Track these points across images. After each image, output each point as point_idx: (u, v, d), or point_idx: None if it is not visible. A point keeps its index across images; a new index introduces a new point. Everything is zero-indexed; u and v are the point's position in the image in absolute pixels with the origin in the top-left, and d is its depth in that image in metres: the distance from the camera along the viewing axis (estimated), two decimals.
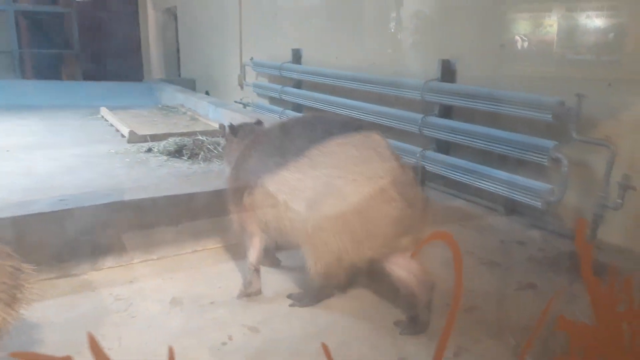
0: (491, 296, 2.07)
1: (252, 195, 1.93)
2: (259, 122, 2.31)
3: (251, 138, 2.11)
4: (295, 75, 5.09)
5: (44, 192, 3.02)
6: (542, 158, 2.63)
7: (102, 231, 2.20)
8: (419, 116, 3.44)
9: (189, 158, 4.05)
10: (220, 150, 4.24)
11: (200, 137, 4.35)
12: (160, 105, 6.65)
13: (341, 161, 1.77)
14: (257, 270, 2.02)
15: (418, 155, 3.42)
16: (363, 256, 1.77)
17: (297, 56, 5.21)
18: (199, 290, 2.04)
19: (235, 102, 6.35)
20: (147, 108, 6.44)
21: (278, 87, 5.35)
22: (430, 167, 3.35)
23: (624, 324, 0.99)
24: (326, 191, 1.75)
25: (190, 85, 8.45)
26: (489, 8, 3.17)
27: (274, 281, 2.13)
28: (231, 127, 2.22)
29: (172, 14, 9.63)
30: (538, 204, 2.67)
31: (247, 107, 6.06)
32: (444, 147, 3.42)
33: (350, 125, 1.88)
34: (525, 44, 2.96)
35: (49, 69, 11.11)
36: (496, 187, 2.90)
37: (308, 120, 2.09)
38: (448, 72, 3.38)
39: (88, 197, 2.28)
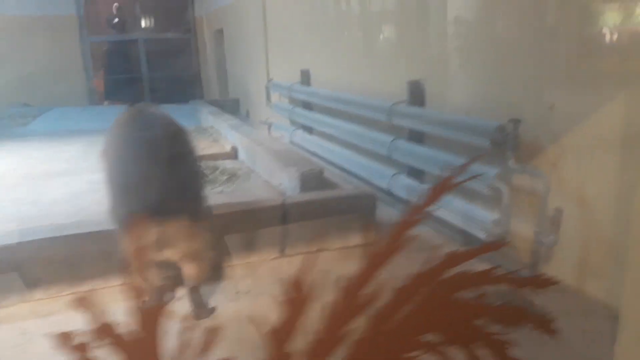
0: None
1: None
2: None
3: None
4: (300, 96, 5.12)
5: (32, 221, 3.31)
6: (482, 186, 2.44)
7: (34, 264, 2.37)
8: (387, 138, 3.34)
9: None
10: (217, 174, 4.39)
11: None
12: (193, 127, 6.95)
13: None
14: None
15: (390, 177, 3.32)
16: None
17: (305, 77, 5.24)
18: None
19: (260, 122, 6.50)
20: None
21: (290, 107, 5.42)
22: (399, 192, 3.23)
23: None
24: None
25: (233, 105, 8.77)
26: None
27: None
28: None
29: (221, 35, 10.07)
30: (482, 235, 2.48)
31: (271, 127, 6.19)
32: (414, 171, 3.28)
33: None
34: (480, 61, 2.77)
35: (121, 93, 12.01)
36: (447, 216, 2.73)
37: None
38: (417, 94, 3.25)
39: (31, 231, 2.46)
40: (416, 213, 0.78)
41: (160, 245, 1.96)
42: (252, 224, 2.72)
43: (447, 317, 0.74)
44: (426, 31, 3.21)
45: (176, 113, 8.33)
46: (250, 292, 2.39)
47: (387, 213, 3.20)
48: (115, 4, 11.04)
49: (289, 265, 2.67)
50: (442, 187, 0.78)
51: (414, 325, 0.72)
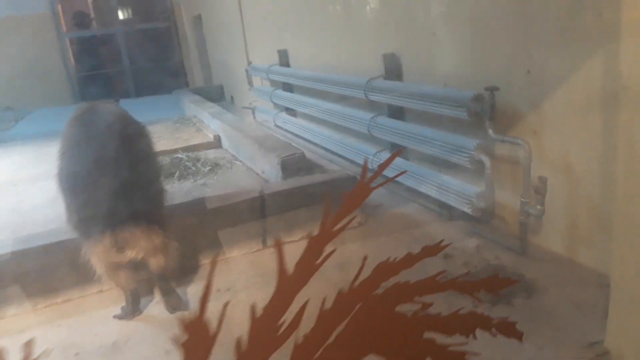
0: None
1: None
2: None
3: None
4: (278, 78, 4.98)
5: (9, 230, 3.23)
6: (464, 159, 2.34)
7: (6, 278, 2.28)
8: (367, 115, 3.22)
9: (166, 177, 4.11)
10: (199, 166, 4.28)
11: (179, 155, 4.40)
12: (176, 118, 6.81)
13: None
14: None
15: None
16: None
17: (284, 57, 5.08)
18: (74, 339, 2.05)
19: (244, 107, 6.36)
20: (163, 122, 6.62)
21: (270, 90, 5.27)
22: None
23: None
24: None
25: (218, 92, 8.61)
26: None
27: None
28: None
29: (200, 21, 9.83)
30: (467, 209, 2.39)
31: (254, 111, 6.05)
32: (394, 147, 3.17)
33: None
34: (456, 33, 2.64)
35: (104, 89, 11.80)
36: (431, 190, 2.63)
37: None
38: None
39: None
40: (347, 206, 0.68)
41: (120, 248, 1.89)
42: (231, 218, 2.63)
43: (389, 335, 0.65)
44: (401, 2, 3.06)
45: (160, 104, 8.17)
46: (230, 289, 2.30)
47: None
48: None
49: (272, 256, 2.58)
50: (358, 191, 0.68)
51: (351, 347, 0.63)
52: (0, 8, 9.02)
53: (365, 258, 0.68)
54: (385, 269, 0.65)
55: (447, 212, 2.73)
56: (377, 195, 2.98)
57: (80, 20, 10.68)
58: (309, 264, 0.60)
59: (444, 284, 0.67)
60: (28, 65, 9.41)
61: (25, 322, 2.21)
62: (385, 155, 3.17)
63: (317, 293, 0.67)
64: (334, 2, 3.99)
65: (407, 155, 3.10)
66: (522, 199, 2.14)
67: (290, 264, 0.73)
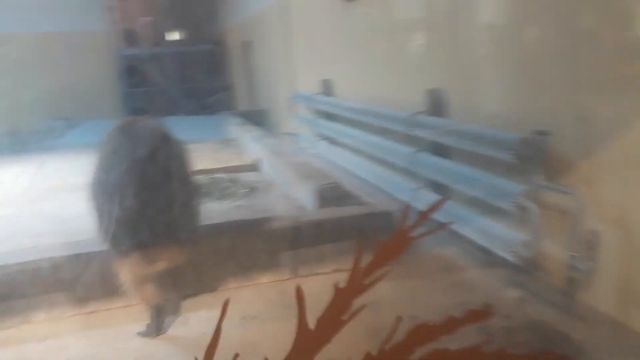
0: None
1: None
2: None
3: None
4: (320, 107, 4.99)
5: (47, 237, 3.27)
6: (509, 204, 2.23)
7: (34, 285, 2.29)
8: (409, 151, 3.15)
9: (204, 197, 4.12)
10: (237, 188, 4.29)
11: (218, 175, 4.42)
12: (219, 139, 6.90)
13: None
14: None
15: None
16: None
17: (328, 87, 5.10)
18: (95, 352, 2.02)
19: (286, 133, 6.40)
20: (207, 142, 6.72)
21: (312, 118, 5.29)
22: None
23: None
24: None
25: (262, 116, 8.71)
26: None
27: None
28: None
29: (250, 46, 10.07)
30: (510, 257, 2.26)
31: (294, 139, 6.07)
32: (433, 184, 3.08)
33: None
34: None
35: (152, 106, 12.16)
36: (471, 233, 2.52)
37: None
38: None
39: (26, 252, 2.40)
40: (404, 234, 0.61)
41: (148, 261, 1.89)
42: (263, 243, 2.58)
43: None
44: (450, 38, 3.02)
45: (205, 124, 8.39)
46: (257, 317, 2.24)
47: None
48: (145, 18, 11.23)
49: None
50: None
51: None
52: (59, 24, 9.50)
53: (399, 320, 0.61)
54: (423, 332, 0.58)
55: (487, 257, 2.61)
56: (414, 232, 2.89)
57: (129, 38, 11.14)
58: (333, 319, 0.54)
59: (489, 356, 0.59)
60: (81, 79, 9.81)
61: (51, 330, 2.21)
62: (424, 193, 3.07)
63: (341, 352, 0.60)
64: (382, 36, 3.99)
65: (448, 195, 3.00)
66: (571, 253, 2.01)
67: (319, 299, 0.65)
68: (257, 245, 2.58)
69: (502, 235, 2.35)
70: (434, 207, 0.66)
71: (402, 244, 0.60)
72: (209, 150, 6.22)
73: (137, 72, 11.58)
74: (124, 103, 11.05)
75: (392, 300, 2.28)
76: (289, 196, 3.99)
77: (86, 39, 9.95)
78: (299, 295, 0.54)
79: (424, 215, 0.64)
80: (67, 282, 2.34)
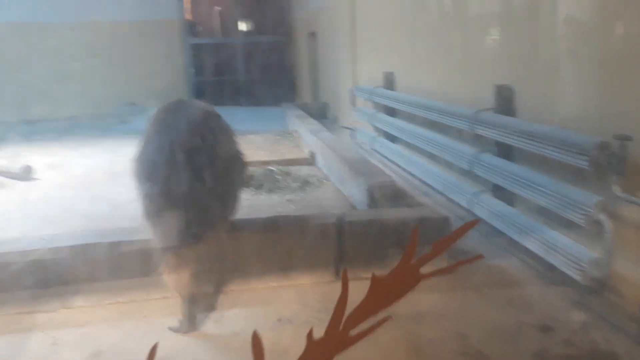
0: None
1: None
2: None
3: None
4: (381, 101, 4.79)
5: (101, 221, 3.34)
6: (579, 217, 1.98)
7: (76, 270, 2.30)
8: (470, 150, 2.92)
9: (255, 189, 4.06)
10: (289, 181, 4.20)
11: (271, 167, 4.35)
12: (278, 131, 6.86)
13: None
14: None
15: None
16: None
17: (389, 80, 4.90)
18: (127, 344, 1.98)
19: (344, 127, 6.25)
20: (265, 134, 6.70)
21: (371, 112, 5.10)
22: (480, 213, 2.80)
23: None
24: None
25: (323, 109, 8.60)
26: None
27: None
28: None
29: (314, 38, 9.97)
30: (577, 276, 2.01)
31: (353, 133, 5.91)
32: (496, 189, 2.83)
33: None
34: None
35: (217, 95, 12.38)
36: (535, 246, 2.28)
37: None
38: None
39: (67, 237, 2.41)
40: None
41: (185, 248, 1.89)
42: (306, 242, 2.46)
43: None
44: (527, 32, 2.75)
45: (266, 115, 8.42)
46: (292, 320, 2.13)
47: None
48: (216, 8, 11.41)
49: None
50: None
51: None
52: (134, 12, 9.83)
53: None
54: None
55: (551, 273, 2.35)
56: (471, 240, 2.66)
57: (200, 27, 11.38)
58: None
59: None
60: (152, 65, 10.13)
61: (88, 317, 2.20)
62: (485, 198, 2.83)
63: None
64: (448, 27, 3.74)
65: (512, 201, 2.75)
66: None
67: None
68: (300, 243, 2.47)
69: (569, 251, 2.09)
70: (456, 236, 0.50)
71: (406, 283, 0.44)
72: (266, 141, 6.19)
73: (206, 61, 11.82)
74: (192, 91, 11.32)
75: (439, 314, 2.09)
76: (341, 192, 3.86)
77: (158, 27, 10.24)
78: (256, 343, 0.41)
79: (439, 247, 0.48)
80: (110, 269, 2.33)
